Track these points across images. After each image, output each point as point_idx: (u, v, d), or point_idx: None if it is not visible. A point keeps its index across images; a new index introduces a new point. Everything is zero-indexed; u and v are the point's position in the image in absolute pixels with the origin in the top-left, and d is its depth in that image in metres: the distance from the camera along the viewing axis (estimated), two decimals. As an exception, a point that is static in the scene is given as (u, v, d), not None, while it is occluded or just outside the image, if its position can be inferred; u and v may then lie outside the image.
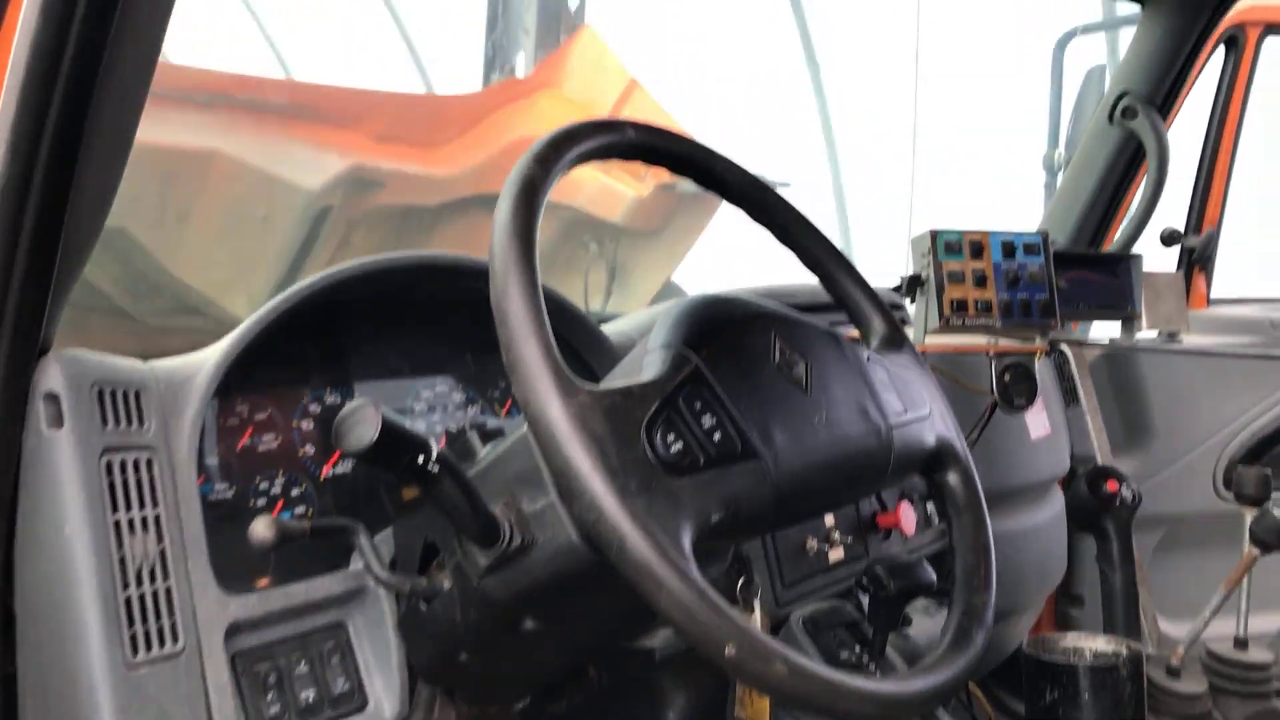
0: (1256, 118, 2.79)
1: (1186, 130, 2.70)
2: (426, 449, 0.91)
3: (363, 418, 0.88)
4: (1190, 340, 2.23)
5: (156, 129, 4.31)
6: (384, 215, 5.21)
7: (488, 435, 1.10)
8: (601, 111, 5.75)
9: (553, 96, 5.74)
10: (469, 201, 5.23)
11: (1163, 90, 2.32)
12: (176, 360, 1.13)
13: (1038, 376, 1.79)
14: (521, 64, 6.77)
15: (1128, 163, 2.42)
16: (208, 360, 1.12)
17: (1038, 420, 2.17)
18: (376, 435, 0.86)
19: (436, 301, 1.38)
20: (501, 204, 0.86)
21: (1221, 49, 2.63)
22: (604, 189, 5.54)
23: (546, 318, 0.80)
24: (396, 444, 0.90)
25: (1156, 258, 2.34)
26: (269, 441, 1.21)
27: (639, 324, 1.58)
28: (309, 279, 1.23)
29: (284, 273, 4.96)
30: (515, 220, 0.85)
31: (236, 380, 1.14)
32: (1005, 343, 1.72)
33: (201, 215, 4.69)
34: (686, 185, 5.62)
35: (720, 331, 0.95)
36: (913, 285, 1.67)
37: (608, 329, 1.54)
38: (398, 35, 9.84)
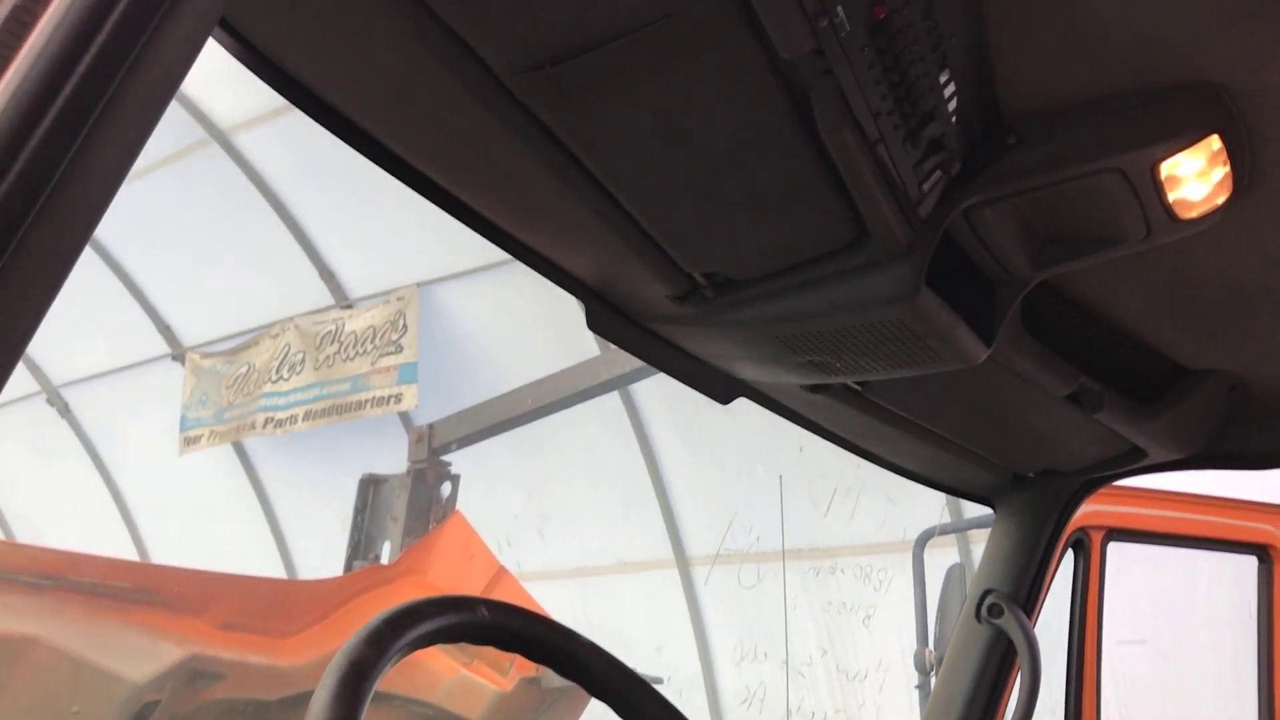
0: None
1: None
2: None
3: None
4: None
5: (-31, 612, 3.97)
6: (216, 711, 4.75)
7: None
8: (467, 601, 5.59)
9: (416, 583, 5.60)
10: (309, 696, 4.84)
11: (1024, 588, 2.35)
12: None
13: None
14: (387, 551, 6.68)
15: (1000, 659, 2.38)
16: None
17: None
18: None
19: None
20: (320, 692, 0.73)
21: (1071, 551, 2.73)
22: (463, 683, 5.23)
23: None
24: None
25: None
26: None
27: None
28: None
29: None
30: (333, 711, 0.71)
31: None
32: None
33: (2, 712, 4.18)
34: (554, 678, 5.37)
35: None
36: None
37: None
38: (263, 519, 9.77)
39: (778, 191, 1.14)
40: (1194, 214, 1.24)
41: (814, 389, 1.65)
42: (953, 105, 1.11)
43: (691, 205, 1.16)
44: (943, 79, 1.06)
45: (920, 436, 1.85)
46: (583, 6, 0.89)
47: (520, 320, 7.99)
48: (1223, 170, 1.18)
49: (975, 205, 1.25)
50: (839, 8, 0.90)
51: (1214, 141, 1.14)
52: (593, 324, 1.51)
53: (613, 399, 7.64)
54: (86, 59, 0.62)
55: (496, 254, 1.33)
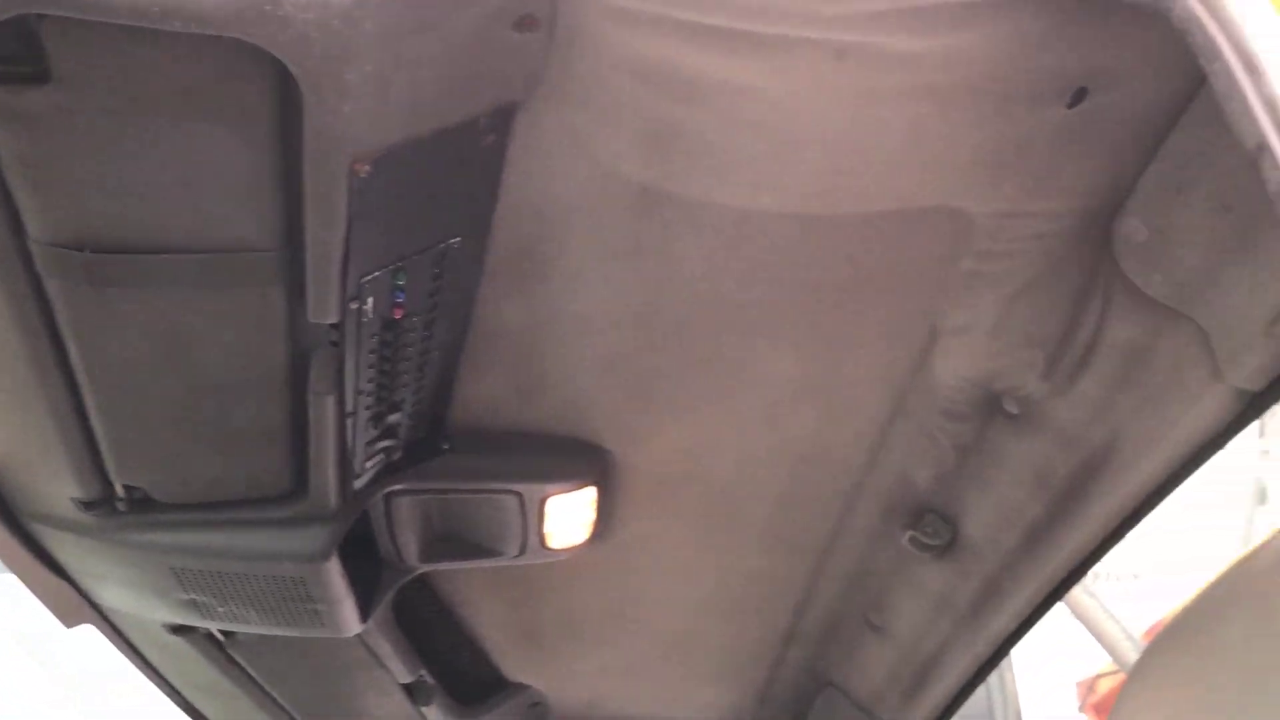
0: None
1: None
2: None
3: None
4: None
5: None
6: None
7: None
8: None
9: None
10: None
11: None
12: None
13: None
14: None
15: None
16: None
17: None
18: None
19: None
20: None
21: None
22: None
23: None
24: None
25: None
26: None
27: None
28: None
29: None
30: None
31: None
32: None
33: None
34: None
35: None
36: None
37: None
38: None
39: (241, 430, 1.20)
40: (558, 545, 1.51)
41: (177, 630, 1.61)
42: (414, 403, 1.29)
43: (154, 418, 1.17)
44: (416, 380, 1.25)
45: (259, 702, 1.85)
46: (156, 214, 0.93)
47: None
48: (590, 517, 1.48)
49: (399, 492, 1.41)
50: (370, 299, 1.05)
51: (591, 492, 1.44)
52: (-37, 503, 1.37)
53: None
54: None
55: None
